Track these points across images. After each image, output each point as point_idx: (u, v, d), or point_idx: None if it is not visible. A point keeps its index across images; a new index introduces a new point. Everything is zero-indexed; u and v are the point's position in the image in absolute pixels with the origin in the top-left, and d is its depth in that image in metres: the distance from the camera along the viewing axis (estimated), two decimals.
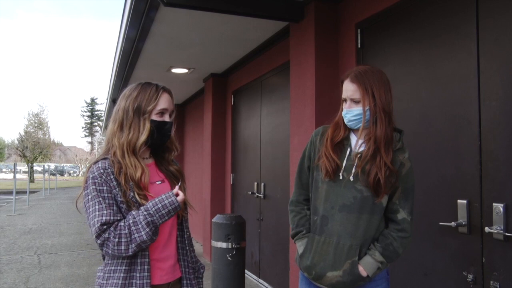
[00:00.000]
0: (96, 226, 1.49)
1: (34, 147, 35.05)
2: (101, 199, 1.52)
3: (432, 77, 2.46)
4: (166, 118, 1.68)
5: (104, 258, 1.66)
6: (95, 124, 72.94)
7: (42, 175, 26.50)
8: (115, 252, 1.51)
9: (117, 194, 1.55)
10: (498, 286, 2.03)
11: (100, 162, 1.59)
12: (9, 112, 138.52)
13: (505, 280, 2.00)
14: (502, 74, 2.06)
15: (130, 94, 1.66)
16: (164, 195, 1.58)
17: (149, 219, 1.52)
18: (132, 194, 1.56)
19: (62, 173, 49.96)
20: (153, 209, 1.53)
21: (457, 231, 2.24)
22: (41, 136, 37.07)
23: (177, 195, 1.60)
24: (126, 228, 1.50)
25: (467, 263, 2.19)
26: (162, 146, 1.74)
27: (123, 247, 1.50)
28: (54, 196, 19.84)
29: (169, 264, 1.67)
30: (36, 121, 37.33)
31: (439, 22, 2.43)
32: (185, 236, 1.74)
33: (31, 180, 29.88)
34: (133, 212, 1.54)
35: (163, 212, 1.54)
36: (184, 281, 1.71)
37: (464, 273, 2.20)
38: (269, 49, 4.62)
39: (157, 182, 1.69)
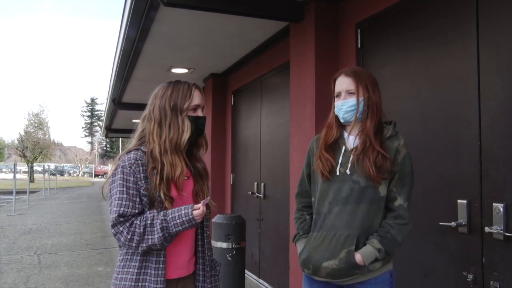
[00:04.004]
0: (114, 215, 1.54)
1: (34, 147, 34.99)
2: (125, 188, 1.57)
3: (432, 77, 2.46)
4: (199, 113, 1.74)
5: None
6: (95, 124, 73.01)
7: (42, 175, 26.46)
8: (125, 245, 1.57)
9: (141, 187, 1.59)
10: (498, 286, 2.03)
11: (132, 152, 1.64)
12: (9, 112, 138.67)
13: (505, 280, 2.01)
14: (502, 74, 2.06)
15: (164, 93, 1.71)
16: (184, 206, 1.62)
17: (164, 224, 1.56)
18: (159, 193, 1.59)
19: (62, 173, 49.95)
20: (170, 216, 1.58)
21: (457, 231, 2.24)
22: (41, 136, 36.98)
23: (197, 209, 1.61)
24: (142, 227, 1.55)
25: (467, 263, 2.19)
26: (195, 141, 1.78)
27: (134, 244, 1.55)
28: (54, 196, 19.83)
29: (182, 259, 1.69)
30: (36, 121, 37.26)
31: (439, 22, 2.43)
32: (205, 234, 1.77)
33: (31, 180, 29.85)
34: (155, 213, 1.58)
35: (178, 221, 1.57)
36: (200, 278, 1.74)
37: (464, 273, 2.20)
38: (269, 49, 4.62)
39: (185, 178, 1.72)
